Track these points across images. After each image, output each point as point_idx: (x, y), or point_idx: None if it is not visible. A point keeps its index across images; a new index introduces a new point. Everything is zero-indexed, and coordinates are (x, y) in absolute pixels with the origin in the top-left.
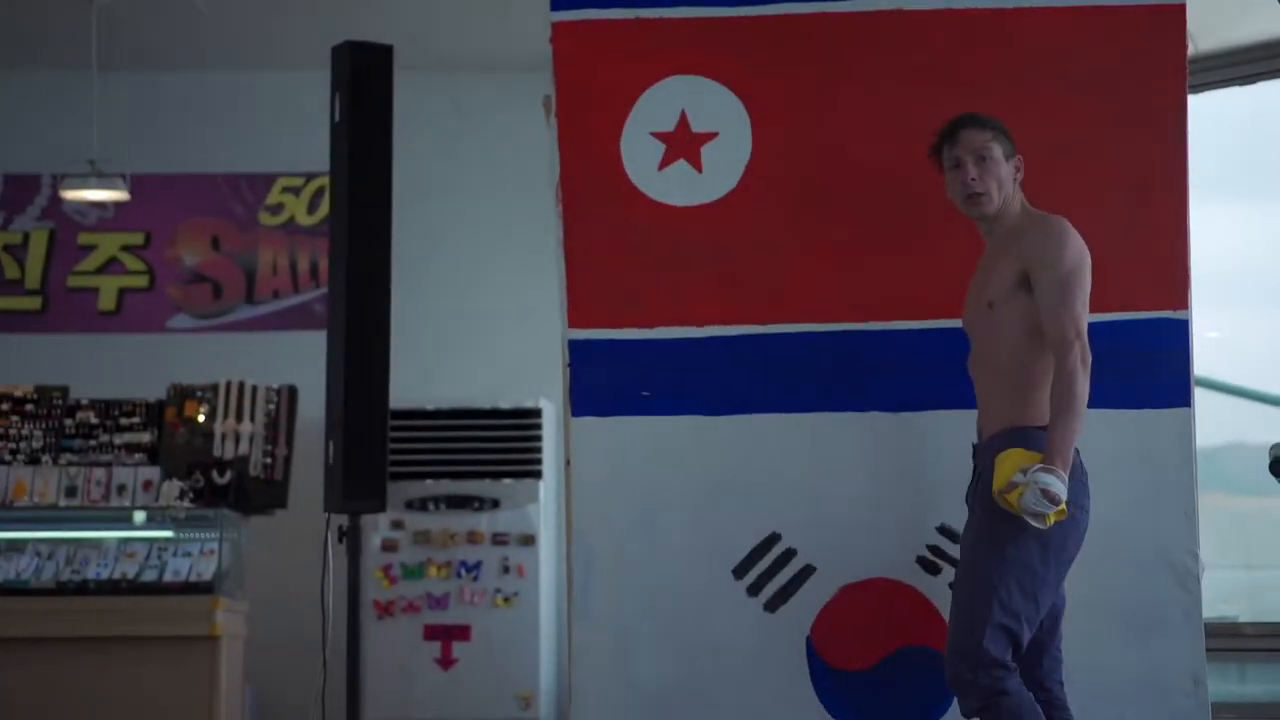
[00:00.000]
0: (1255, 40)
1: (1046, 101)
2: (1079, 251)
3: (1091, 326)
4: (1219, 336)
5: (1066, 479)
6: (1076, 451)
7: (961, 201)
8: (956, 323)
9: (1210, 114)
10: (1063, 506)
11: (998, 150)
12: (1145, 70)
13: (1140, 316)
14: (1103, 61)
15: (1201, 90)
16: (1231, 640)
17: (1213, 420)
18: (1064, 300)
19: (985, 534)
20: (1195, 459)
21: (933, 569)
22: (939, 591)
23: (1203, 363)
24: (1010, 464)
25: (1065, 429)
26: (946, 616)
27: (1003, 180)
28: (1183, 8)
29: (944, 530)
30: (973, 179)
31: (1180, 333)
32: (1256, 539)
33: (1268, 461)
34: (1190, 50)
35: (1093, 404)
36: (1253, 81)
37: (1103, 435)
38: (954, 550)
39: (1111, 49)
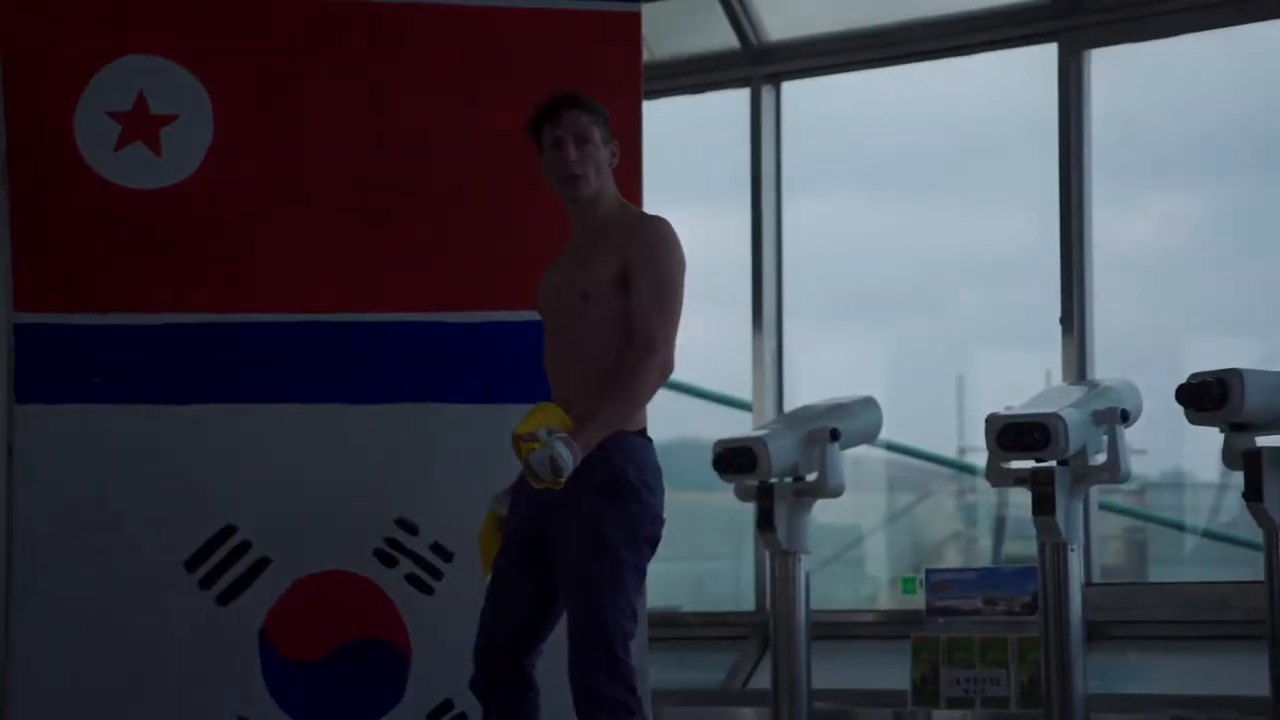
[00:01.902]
0: (705, 51)
1: (505, 102)
2: (681, 258)
3: (538, 324)
4: None
5: (578, 459)
6: (652, 451)
7: (558, 182)
8: (425, 316)
9: (662, 120)
10: (562, 481)
11: (598, 135)
12: (600, 76)
13: None
14: (559, 65)
15: (656, 97)
16: (675, 629)
17: (663, 418)
18: (659, 305)
19: (595, 538)
20: None
21: (389, 561)
22: (395, 583)
23: None
24: (544, 417)
25: (606, 418)
26: (402, 609)
27: (600, 165)
28: (637, 15)
29: (402, 523)
30: (573, 160)
31: None
32: (702, 532)
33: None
34: (645, 57)
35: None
36: (702, 91)
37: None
38: (411, 543)
39: (566, 53)
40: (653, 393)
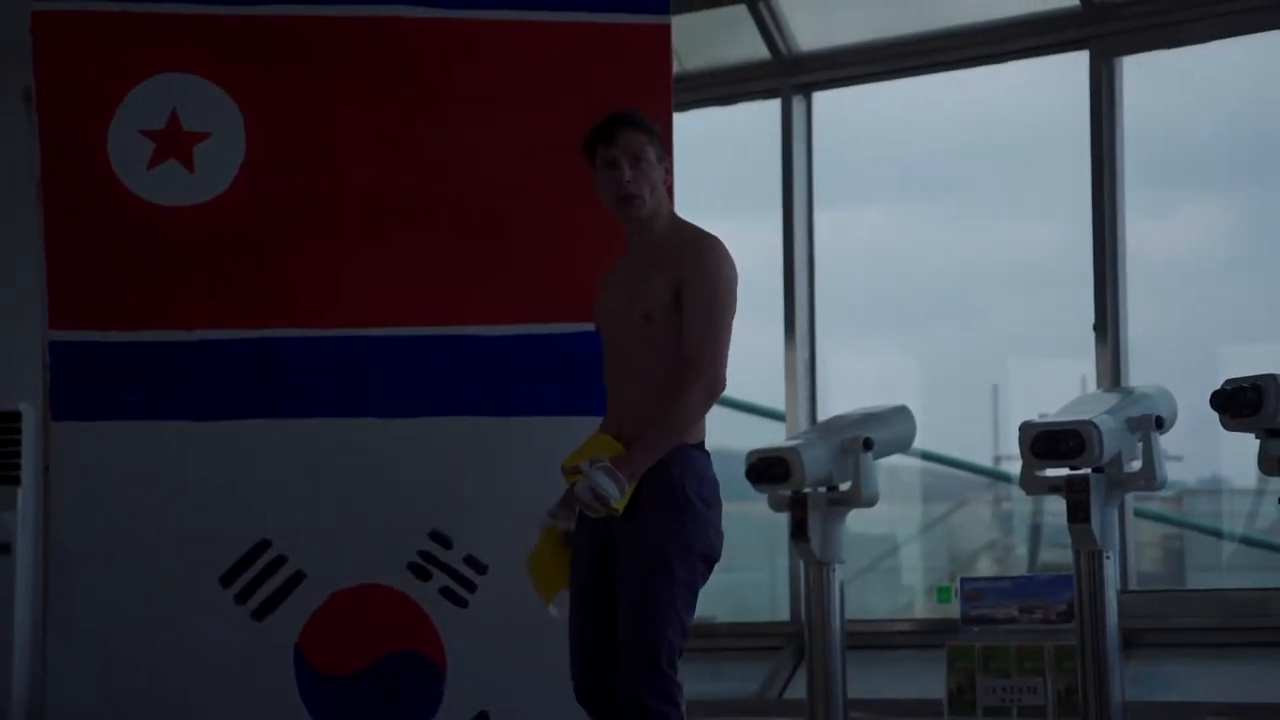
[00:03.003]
0: (736, 61)
1: (536, 115)
2: (732, 277)
3: (569, 336)
4: None
5: (625, 486)
6: (710, 464)
7: (613, 202)
8: (457, 330)
9: (693, 132)
10: (617, 507)
11: (652, 153)
12: (631, 87)
13: None
14: (590, 77)
15: (687, 109)
16: (708, 640)
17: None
18: (709, 325)
19: (650, 550)
20: None
21: (423, 574)
22: (430, 596)
23: None
24: (594, 448)
25: (653, 444)
26: (436, 622)
27: (655, 184)
28: (668, 27)
29: (435, 536)
30: (628, 180)
31: None
32: (735, 543)
33: None
34: (675, 69)
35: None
36: (732, 102)
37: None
38: (444, 556)
39: (597, 65)
40: (701, 413)
